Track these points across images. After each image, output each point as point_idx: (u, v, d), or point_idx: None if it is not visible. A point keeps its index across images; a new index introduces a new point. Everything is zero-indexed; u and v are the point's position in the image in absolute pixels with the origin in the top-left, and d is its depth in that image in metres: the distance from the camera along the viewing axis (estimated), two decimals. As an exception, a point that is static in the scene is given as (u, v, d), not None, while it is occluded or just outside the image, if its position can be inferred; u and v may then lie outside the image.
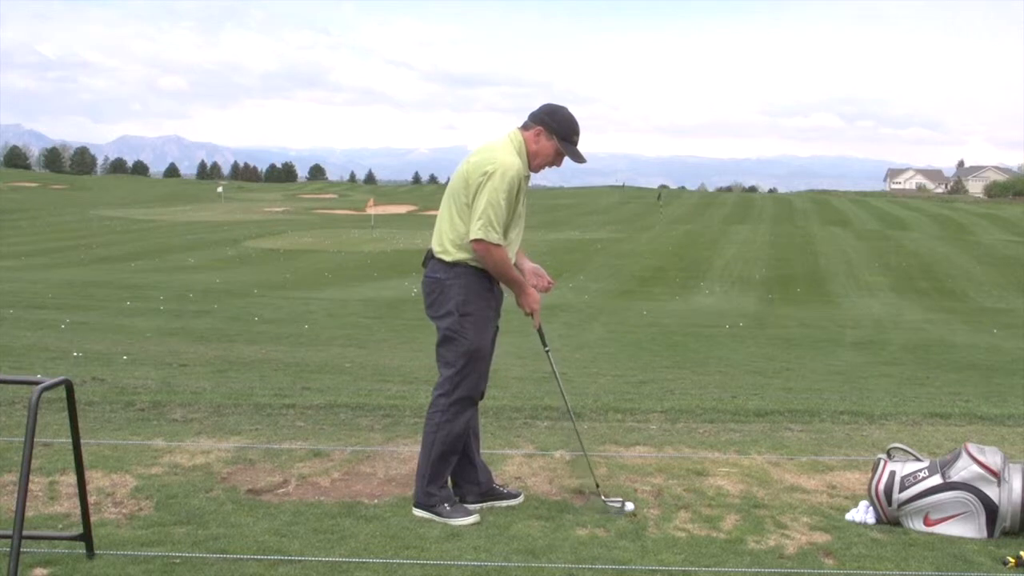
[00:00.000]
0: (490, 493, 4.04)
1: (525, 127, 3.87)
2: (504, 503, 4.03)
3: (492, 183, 3.68)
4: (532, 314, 3.98)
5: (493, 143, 3.86)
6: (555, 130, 3.81)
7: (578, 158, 3.88)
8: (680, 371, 9.76)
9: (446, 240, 3.84)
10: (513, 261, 3.91)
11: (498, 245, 3.72)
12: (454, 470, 3.96)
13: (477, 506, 3.96)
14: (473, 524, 3.70)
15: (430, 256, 3.92)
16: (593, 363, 10.28)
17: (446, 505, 3.77)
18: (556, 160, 3.87)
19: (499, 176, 3.68)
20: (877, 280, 27.27)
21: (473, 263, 3.81)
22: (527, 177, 3.85)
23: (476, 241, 3.71)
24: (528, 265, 4.07)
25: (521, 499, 4.08)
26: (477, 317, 3.82)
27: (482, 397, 4.06)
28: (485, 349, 3.88)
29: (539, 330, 4.09)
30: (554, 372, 4.20)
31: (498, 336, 4.05)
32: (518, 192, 3.77)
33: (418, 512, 3.84)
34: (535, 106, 3.93)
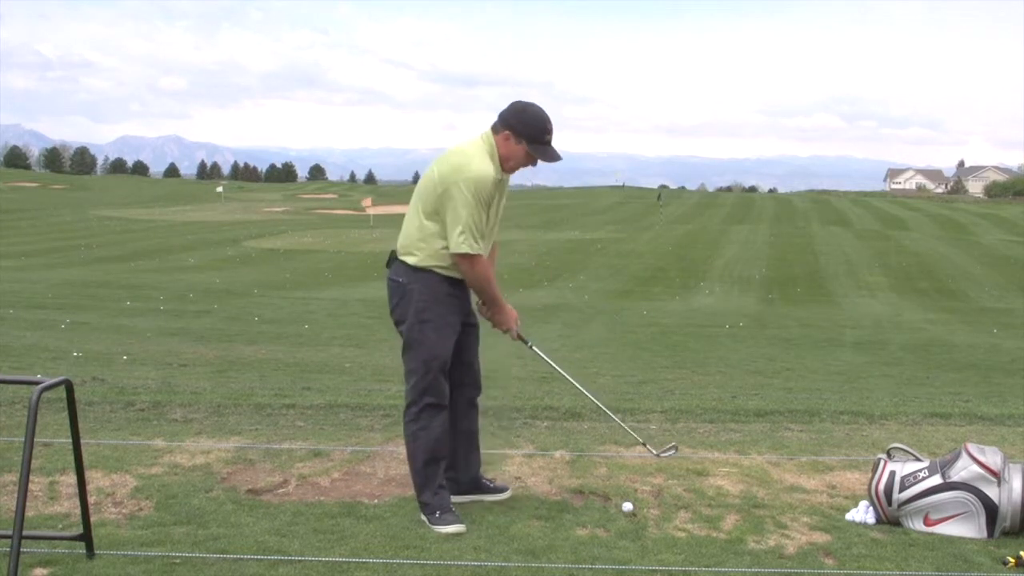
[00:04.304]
0: (475, 488, 4.04)
1: (495, 129, 3.71)
2: (490, 498, 4.02)
3: (469, 192, 3.56)
4: (508, 332, 3.91)
5: (466, 146, 3.71)
6: (523, 133, 3.65)
7: (551, 158, 3.68)
8: (680, 371, 9.75)
9: (413, 243, 3.76)
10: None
11: (479, 256, 3.65)
12: None
13: (468, 498, 3.98)
14: (456, 533, 3.64)
15: (393, 257, 3.85)
16: (593, 363, 10.27)
17: (437, 513, 3.74)
18: (528, 161, 3.71)
19: (475, 185, 3.57)
20: (877, 280, 27.24)
21: (440, 270, 3.73)
22: (501, 180, 3.71)
23: (460, 256, 3.63)
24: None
25: (509, 494, 4.06)
26: (437, 323, 3.75)
27: (479, 392, 4.05)
28: (444, 356, 3.77)
29: (519, 338, 4.01)
30: (552, 364, 4.12)
31: (477, 333, 4.01)
32: (492, 198, 3.67)
33: (421, 516, 3.85)
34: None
